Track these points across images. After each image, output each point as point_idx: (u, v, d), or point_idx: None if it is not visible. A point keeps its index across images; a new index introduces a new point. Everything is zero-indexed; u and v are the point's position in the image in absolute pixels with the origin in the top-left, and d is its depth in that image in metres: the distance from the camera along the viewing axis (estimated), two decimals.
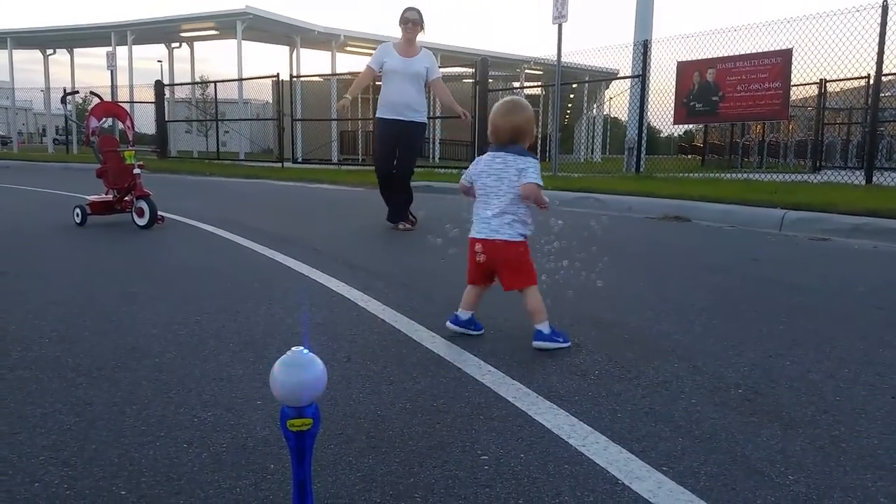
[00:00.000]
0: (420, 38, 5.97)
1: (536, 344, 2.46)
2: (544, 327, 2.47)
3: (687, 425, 1.81)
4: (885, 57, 8.54)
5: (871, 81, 9.67)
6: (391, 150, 5.95)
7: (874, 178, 9.02)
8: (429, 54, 5.99)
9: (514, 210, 2.51)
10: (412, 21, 5.84)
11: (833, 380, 2.18)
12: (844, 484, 1.51)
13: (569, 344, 2.49)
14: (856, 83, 14.49)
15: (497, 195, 2.52)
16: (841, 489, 1.49)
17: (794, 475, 1.55)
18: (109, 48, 23.24)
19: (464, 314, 2.64)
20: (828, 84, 14.85)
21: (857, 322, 2.93)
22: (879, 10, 8.49)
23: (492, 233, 2.51)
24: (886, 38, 8.46)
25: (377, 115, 5.97)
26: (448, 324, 2.64)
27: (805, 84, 13.42)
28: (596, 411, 1.90)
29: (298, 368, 1.15)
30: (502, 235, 2.50)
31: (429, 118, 6.19)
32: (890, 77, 11.66)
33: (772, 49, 9.90)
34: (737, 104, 10.39)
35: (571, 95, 29.11)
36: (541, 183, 2.49)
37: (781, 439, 1.74)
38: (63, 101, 7.16)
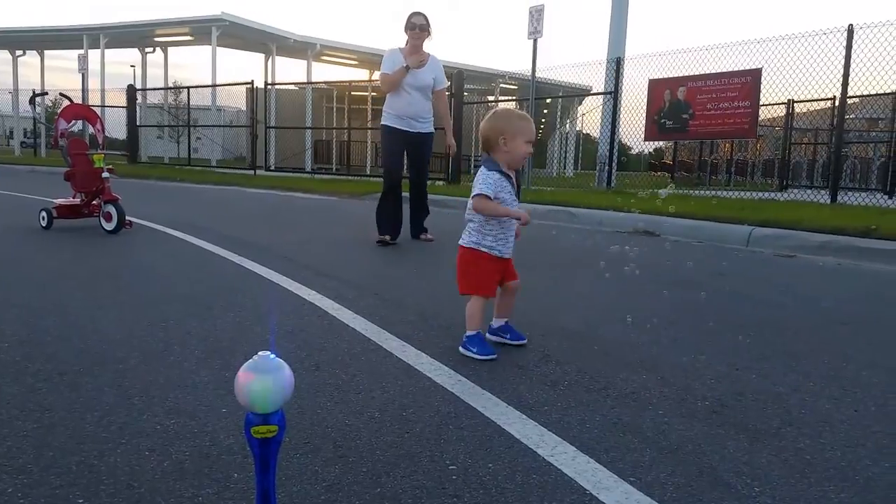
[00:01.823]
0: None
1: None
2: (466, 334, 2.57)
3: (655, 436, 1.82)
4: (850, 79, 8.76)
5: (837, 103, 9.89)
6: (400, 154, 5.77)
7: (839, 198, 9.22)
8: (437, 63, 5.74)
9: (471, 216, 2.62)
10: (419, 27, 5.55)
11: (798, 393, 2.21)
12: (809, 496, 1.53)
13: (484, 357, 2.47)
14: (822, 105, 14.83)
15: (469, 203, 2.61)
16: (805, 501, 1.50)
17: (759, 487, 1.56)
18: (81, 51, 22.95)
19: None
20: (795, 105, 15.19)
21: (822, 337, 2.98)
22: (845, 34, 8.70)
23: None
24: (851, 61, 8.68)
25: (383, 122, 5.74)
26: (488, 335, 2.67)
27: (773, 104, 13.71)
28: (565, 421, 1.90)
29: (265, 373, 1.13)
30: (461, 240, 2.67)
31: None
32: (855, 100, 11.95)
33: (742, 69, 10.10)
34: (706, 122, 10.56)
35: (545, 111, 29.36)
36: (478, 193, 2.53)
37: (747, 451, 1.75)
38: (31, 102, 7.05)
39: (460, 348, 2.54)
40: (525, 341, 2.66)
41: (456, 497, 1.47)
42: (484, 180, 2.53)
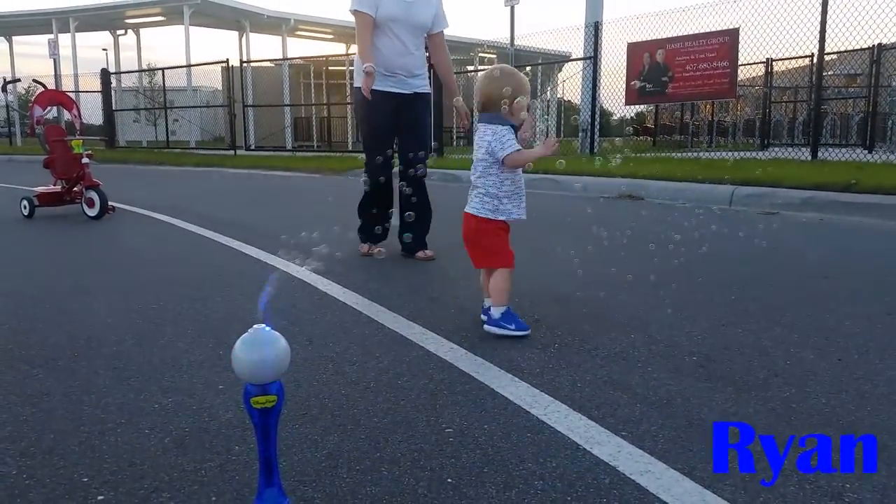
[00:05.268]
0: None
1: (486, 327, 2.43)
2: (495, 311, 2.40)
3: (644, 392, 1.86)
4: (826, 36, 8.76)
5: (815, 60, 9.91)
6: (388, 138, 3.82)
7: (819, 154, 9.29)
8: None
9: (483, 183, 2.42)
10: None
11: (783, 345, 2.26)
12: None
13: (523, 333, 2.35)
14: (801, 62, 14.85)
15: (475, 166, 2.45)
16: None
17: None
18: (51, 36, 22.49)
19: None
20: (774, 63, 15.19)
21: (805, 290, 3.04)
22: None
23: (467, 205, 2.48)
24: (828, 17, 8.68)
25: (357, 86, 3.75)
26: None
27: (752, 63, 13.70)
28: (556, 382, 1.94)
29: (261, 345, 1.15)
30: (469, 208, 2.47)
31: None
32: (832, 56, 11.99)
33: (719, 29, 10.08)
34: (686, 84, 10.55)
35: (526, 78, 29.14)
36: (512, 150, 2.33)
37: (735, 402, 1.80)
38: (3, 89, 6.94)
39: (491, 327, 2.38)
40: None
41: (453, 458, 1.51)
42: (506, 136, 2.35)
